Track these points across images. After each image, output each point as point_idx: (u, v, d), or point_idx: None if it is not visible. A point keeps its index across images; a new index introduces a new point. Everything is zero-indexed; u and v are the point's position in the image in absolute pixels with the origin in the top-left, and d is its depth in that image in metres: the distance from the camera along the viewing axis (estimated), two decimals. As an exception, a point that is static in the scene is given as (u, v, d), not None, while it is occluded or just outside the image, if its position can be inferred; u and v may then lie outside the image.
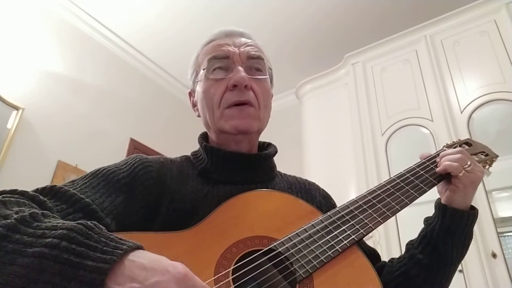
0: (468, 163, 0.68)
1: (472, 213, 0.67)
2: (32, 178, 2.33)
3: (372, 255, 0.72)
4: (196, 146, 0.76)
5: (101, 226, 0.42)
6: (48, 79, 2.63)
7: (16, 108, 2.38)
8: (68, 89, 2.75)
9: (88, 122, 2.82)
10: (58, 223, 0.41)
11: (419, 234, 0.70)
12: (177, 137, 3.43)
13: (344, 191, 2.40)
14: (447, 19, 2.46)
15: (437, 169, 0.70)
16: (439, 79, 2.34)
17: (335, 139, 2.72)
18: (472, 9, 2.38)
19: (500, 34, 2.23)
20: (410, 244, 0.70)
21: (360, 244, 0.63)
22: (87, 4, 2.92)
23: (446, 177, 0.69)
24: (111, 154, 2.78)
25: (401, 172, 0.72)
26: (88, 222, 0.41)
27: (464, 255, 0.68)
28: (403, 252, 0.71)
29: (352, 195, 2.34)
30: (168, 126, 3.51)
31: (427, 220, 0.70)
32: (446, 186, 0.69)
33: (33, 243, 0.38)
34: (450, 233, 0.65)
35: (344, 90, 2.83)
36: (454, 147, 0.79)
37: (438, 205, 0.69)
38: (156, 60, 3.46)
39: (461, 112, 2.19)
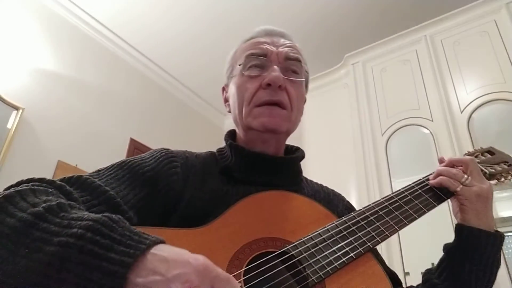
0: (465, 176, 0.64)
1: (492, 234, 0.61)
2: (32, 178, 2.32)
3: (392, 278, 0.68)
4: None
5: (124, 220, 0.42)
6: (48, 79, 2.63)
7: (16, 108, 2.38)
8: (68, 89, 2.75)
9: (88, 122, 2.82)
10: (84, 214, 0.42)
11: (439, 259, 0.66)
12: (177, 138, 3.43)
13: (344, 191, 2.38)
14: (447, 19, 2.46)
15: (431, 182, 0.67)
16: (439, 79, 2.33)
17: (335, 139, 2.72)
18: (472, 9, 2.38)
19: (500, 34, 2.22)
20: (428, 270, 0.67)
21: (378, 255, 0.61)
22: (87, 4, 2.92)
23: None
24: (111, 154, 2.78)
25: (420, 179, 0.69)
26: (113, 215, 0.41)
27: (489, 285, 0.62)
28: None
29: (352, 195, 2.35)
30: (168, 126, 3.50)
31: (446, 245, 0.66)
32: (457, 207, 0.66)
33: (59, 232, 0.39)
34: (468, 255, 0.61)
35: (344, 90, 2.83)
36: (476, 156, 0.76)
37: (456, 225, 0.65)
38: (157, 61, 3.46)
39: (461, 112, 2.18)
